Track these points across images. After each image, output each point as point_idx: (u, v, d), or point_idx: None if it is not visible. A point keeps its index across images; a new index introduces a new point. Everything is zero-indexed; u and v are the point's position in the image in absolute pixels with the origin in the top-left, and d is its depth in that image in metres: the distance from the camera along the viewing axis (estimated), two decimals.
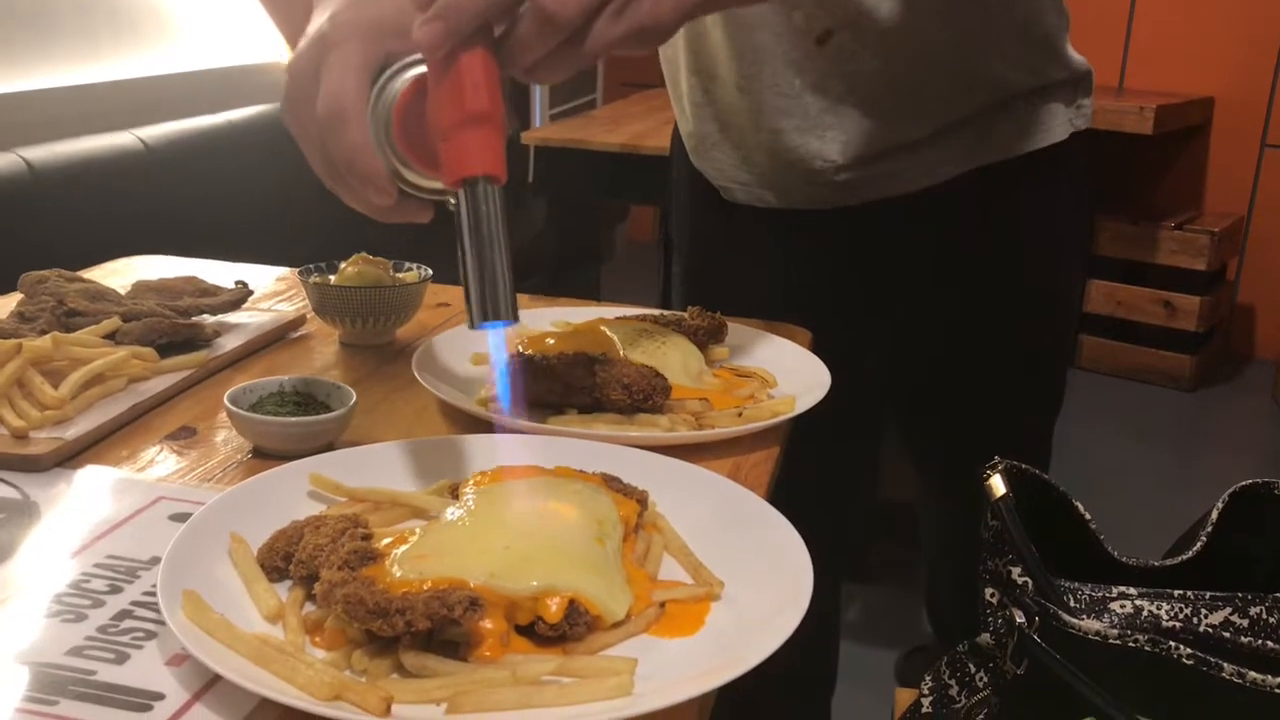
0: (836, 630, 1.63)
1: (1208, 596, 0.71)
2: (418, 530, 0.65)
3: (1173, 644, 0.64)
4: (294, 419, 0.81)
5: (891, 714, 1.21)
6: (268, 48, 2.81)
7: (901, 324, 1.24)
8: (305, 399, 0.86)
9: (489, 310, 0.65)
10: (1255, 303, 4.01)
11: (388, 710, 0.52)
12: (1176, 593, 0.72)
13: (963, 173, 1.13)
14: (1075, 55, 1.16)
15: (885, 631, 2.19)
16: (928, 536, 1.54)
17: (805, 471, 0.97)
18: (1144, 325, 3.71)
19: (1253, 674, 0.62)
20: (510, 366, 0.88)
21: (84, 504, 0.74)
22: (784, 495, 0.80)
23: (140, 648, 0.58)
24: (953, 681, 0.85)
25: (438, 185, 0.70)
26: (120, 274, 1.28)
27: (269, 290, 1.24)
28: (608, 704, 0.53)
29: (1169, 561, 0.77)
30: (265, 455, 0.82)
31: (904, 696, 1.13)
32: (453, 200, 0.66)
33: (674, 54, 1.21)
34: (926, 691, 0.87)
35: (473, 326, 0.66)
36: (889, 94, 1.07)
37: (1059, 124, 1.15)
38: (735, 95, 1.12)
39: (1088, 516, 0.79)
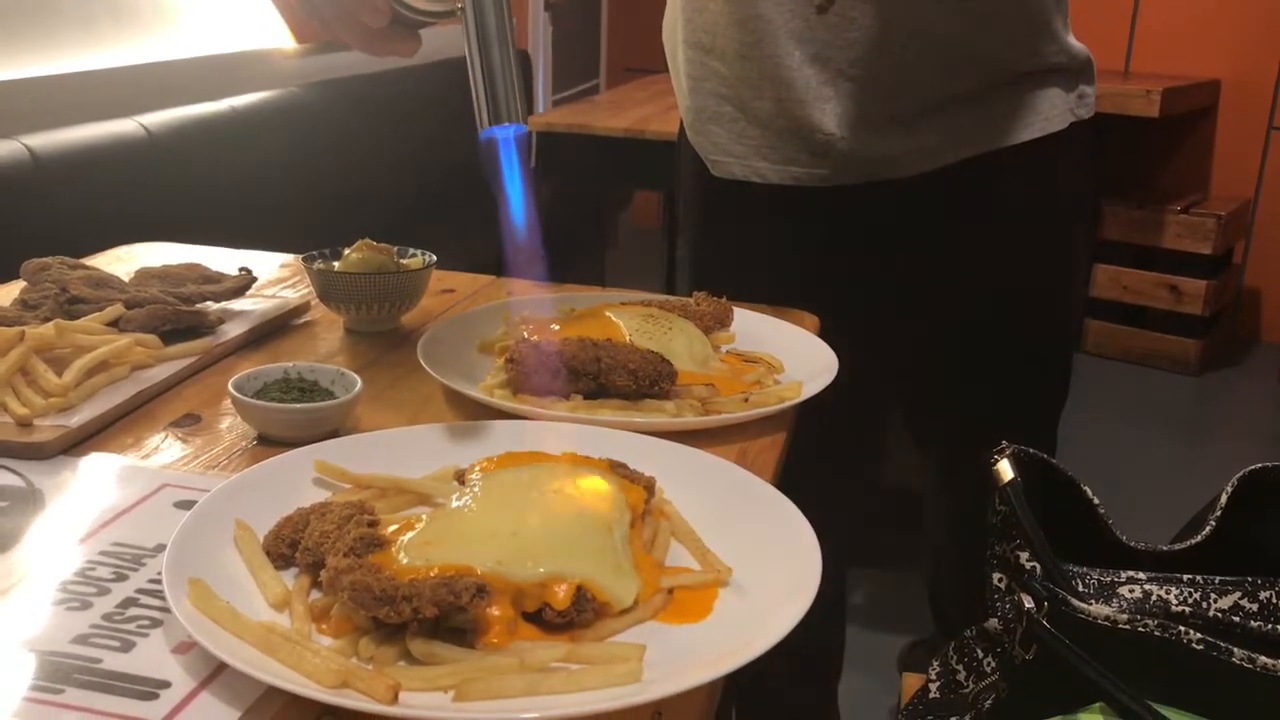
0: (843, 615, 1.63)
1: (1217, 581, 0.71)
2: (424, 517, 0.65)
3: (1182, 629, 0.63)
4: (299, 406, 0.81)
5: (898, 699, 1.21)
6: (270, 33, 2.80)
7: (904, 311, 1.24)
8: (310, 386, 0.85)
9: (498, 112, 0.69)
10: (1262, 286, 4.00)
11: (395, 698, 0.52)
12: (1185, 577, 0.71)
13: (962, 159, 1.12)
14: (1075, 42, 1.16)
15: (891, 616, 2.19)
16: (932, 522, 1.54)
17: (812, 456, 0.96)
18: (1150, 309, 3.70)
19: (1263, 659, 0.62)
20: (516, 353, 0.88)
21: (89, 491, 0.74)
22: (791, 480, 0.80)
23: (146, 635, 0.58)
24: (960, 667, 0.85)
25: (435, 7, 0.73)
26: (123, 261, 1.27)
27: (273, 277, 1.24)
28: (616, 690, 0.53)
29: (1177, 546, 0.77)
30: (270, 442, 0.82)
31: (911, 682, 1.13)
32: (460, 6, 0.69)
33: (672, 28, 1.21)
34: (934, 677, 0.87)
35: (482, 128, 0.70)
36: (887, 66, 1.07)
37: (1058, 112, 1.15)
38: (734, 67, 1.12)
39: (1095, 501, 0.79)
